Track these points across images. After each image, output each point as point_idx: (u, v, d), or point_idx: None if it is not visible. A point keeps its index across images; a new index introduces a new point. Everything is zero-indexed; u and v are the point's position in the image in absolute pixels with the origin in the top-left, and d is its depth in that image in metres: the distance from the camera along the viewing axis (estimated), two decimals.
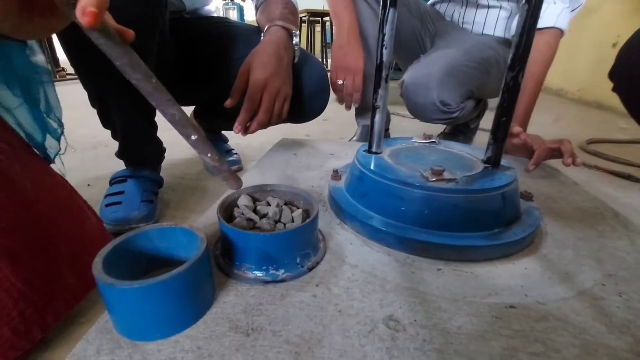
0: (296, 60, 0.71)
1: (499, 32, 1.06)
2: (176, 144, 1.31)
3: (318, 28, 4.06)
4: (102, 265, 0.31)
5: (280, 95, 0.65)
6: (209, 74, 0.86)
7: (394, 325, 0.33)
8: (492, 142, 0.52)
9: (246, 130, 0.67)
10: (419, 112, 0.89)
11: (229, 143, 1.11)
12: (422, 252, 0.44)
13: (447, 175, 0.46)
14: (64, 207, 0.48)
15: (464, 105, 0.89)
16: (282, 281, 0.39)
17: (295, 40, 0.70)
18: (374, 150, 0.57)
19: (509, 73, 0.48)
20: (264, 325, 0.33)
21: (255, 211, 0.44)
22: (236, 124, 0.65)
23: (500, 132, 0.51)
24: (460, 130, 1.28)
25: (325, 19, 3.79)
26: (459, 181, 0.46)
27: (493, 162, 0.53)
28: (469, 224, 0.45)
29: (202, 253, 0.32)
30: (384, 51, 0.50)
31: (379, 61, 0.51)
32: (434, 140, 0.63)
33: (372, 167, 0.51)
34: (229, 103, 0.66)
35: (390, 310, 0.35)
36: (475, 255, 0.43)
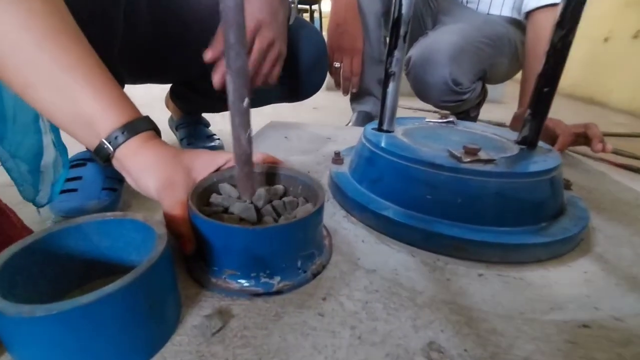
0: (291, 21, 0.60)
1: (506, 12, 0.97)
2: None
3: (306, 18, 3.93)
4: None
5: (273, 49, 0.53)
6: (189, 44, 0.73)
7: (438, 357, 0.24)
8: (529, 119, 0.43)
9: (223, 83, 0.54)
10: (426, 93, 0.80)
11: (209, 127, 0.99)
12: (456, 251, 0.34)
13: (483, 155, 0.37)
14: None
15: (475, 85, 0.81)
16: (278, 292, 0.28)
17: None
18: (385, 127, 0.47)
19: (557, 32, 0.39)
20: None
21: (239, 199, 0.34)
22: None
23: (541, 105, 0.42)
24: (459, 119, 1.20)
25: (314, 7, 3.65)
26: (499, 163, 0.37)
27: (529, 143, 0.44)
28: (512, 216, 0.36)
29: (158, 256, 0.22)
30: (403, 1, 0.40)
31: (396, 14, 0.41)
32: (451, 120, 0.54)
33: (386, 146, 0.41)
34: (209, 55, 0.51)
35: (429, 334, 0.25)
36: (523, 256, 0.34)
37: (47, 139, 0.43)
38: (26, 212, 0.47)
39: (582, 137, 0.65)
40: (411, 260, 0.34)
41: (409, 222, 0.36)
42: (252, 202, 0.32)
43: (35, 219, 0.60)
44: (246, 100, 0.26)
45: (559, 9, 0.39)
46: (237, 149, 0.29)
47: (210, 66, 0.55)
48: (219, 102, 0.80)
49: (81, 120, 0.30)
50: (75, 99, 0.29)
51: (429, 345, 0.24)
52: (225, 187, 0.33)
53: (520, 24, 0.90)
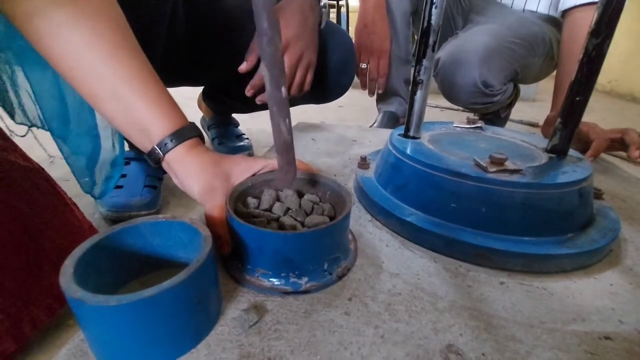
0: (323, 24, 0.62)
1: (543, 9, 0.94)
2: None
3: (332, 14, 3.89)
4: (73, 270, 0.23)
5: (303, 61, 0.56)
6: (221, 47, 0.77)
7: (456, 359, 0.25)
8: (560, 127, 0.43)
9: (255, 96, 0.59)
10: (455, 95, 0.79)
11: (239, 127, 1.03)
12: (478, 259, 0.35)
13: (509, 164, 0.37)
14: (45, 194, 0.41)
15: (506, 87, 0.79)
16: (306, 292, 0.31)
17: (323, 1, 0.61)
18: (411, 134, 0.48)
19: (591, 39, 0.39)
20: (284, 354, 0.25)
21: (272, 204, 0.36)
22: (248, 87, 0.57)
23: (573, 114, 0.42)
24: (489, 119, 1.17)
25: (340, 2, 3.62)
26: (525, 173, 0.37)
27: (559, 152, 0.43)
28: (537, 226, 0.36)
29: (205, 257, 0.25)
30: (433, 10, 0.41)
31: (425, 23, 0.41)
32: (479, 125, 0.54)
33: (412, 154, 0.42)
34: (243, 67, 0.57)
35: (448, 337, 0.27)
36: (547, 266, 0.35)
37: (109, 142, 0.49)
38: (80, 206, 0.53)
39: (618, 143, 0.62)
40: (433, 265, 0.35)
41: (432, 229, 0.37)
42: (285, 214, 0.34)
43: (89, 211, 0.66)
44: (283, 89, 0.26)
45: (595, 15, 0.38)
46: (277, 137, 0.29)
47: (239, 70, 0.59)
48: (248, 104, 0.83)
49: (136, 127, 0.34)
50: (132, 109, 0.33)
51: (447, 348, 0.26)
52: (265, 195, 0.35)
53: (557, 22, 0.87)
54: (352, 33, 0.91)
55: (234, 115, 1.04)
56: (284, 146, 0.29)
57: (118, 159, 0.56)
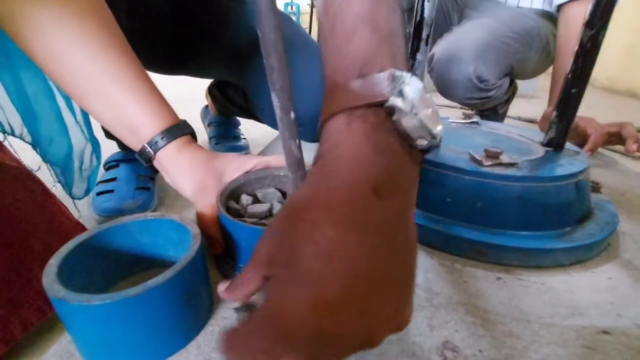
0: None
1: (537, 4, 0.94)
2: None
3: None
4: (57, 269, 0.23)
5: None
6: (209, 31, 0.73)
7: (452, 356, 0.25)
8: (555, 120, 0.42)
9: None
10: (450, 90, 0.79)
11: (239, 127, 1.03)
12: (475, 254, 0.35)
13: (504, 158, 0.37)
14: (35, 195, 0.40)
15: (502, 82, 0.79)
16: None
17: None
18: None
19: (586, 31, 0.38)
20: None
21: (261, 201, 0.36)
22: None
23: (569, 107, 0.41)
24: (486, 116, 1.17)
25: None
26: (521, 166, 0.36)
27: (555, 145, 0.43)
28: (534, 220, 0.35)
29: (193, 255, 0.24)
30: (426, 4, 0.40)
31: (418, 17, 0.41)
32: (475, 120, 0.53)
33: None
34: None
35: (444, 334, 0.26)
36: (544, 261, 0.34)
37: (79, 136, 0.48)
38: (73, 209, 0.53)
39: (616, 137, 0.62)
40: (429, 261, 0.35)
41: (428, 225, 0.36)
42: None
43: (81, 214, 0.65)
44: (292, 114, 0.27)
45: (589, 6, 0.38)
46: (289, 157, 0.29)
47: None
48: (244, 111, 0.81)
49: (127, 125, 0.33)
50: (122, 107, 0.32)
51: (443, 345, 0.25)
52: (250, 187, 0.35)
53: (552, 17, 0.87)
54: None
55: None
56: (296, 164, 0.29)
57: (96, 153, 0.55)
